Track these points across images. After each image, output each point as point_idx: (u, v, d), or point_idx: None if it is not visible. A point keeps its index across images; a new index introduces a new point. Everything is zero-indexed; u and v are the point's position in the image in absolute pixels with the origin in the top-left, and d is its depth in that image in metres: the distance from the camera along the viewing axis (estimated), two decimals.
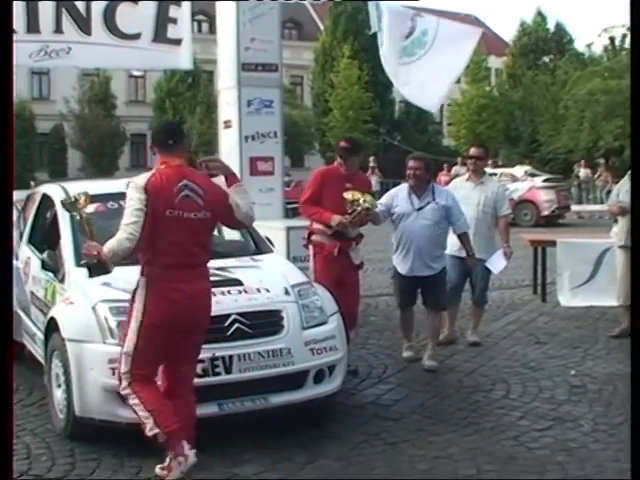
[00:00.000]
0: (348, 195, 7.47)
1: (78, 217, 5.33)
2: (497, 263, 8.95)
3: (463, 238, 8.34)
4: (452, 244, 8.62)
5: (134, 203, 5.08)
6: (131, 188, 5.16)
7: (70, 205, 5.43)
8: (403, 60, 10.83)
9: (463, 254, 8.52)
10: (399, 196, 8.22)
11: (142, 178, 5.18)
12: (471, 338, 9.16)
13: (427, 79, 10.71)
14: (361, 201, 7.45)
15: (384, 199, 8.36)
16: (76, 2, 9.71)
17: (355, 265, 7.95)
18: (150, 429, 5.13)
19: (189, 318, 5.23)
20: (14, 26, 9.42)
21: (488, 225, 8.96)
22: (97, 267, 5.17)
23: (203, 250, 5.36)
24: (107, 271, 5.21)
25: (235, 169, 10.09)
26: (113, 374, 5.62)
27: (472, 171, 9.23)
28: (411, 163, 8.20)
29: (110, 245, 5.07)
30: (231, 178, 5.65)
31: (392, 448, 5.98)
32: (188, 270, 5.21)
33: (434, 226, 8.06)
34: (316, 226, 7.91)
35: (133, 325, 5.21)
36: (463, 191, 8.95)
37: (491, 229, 9.03)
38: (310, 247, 8.01)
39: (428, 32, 10.73)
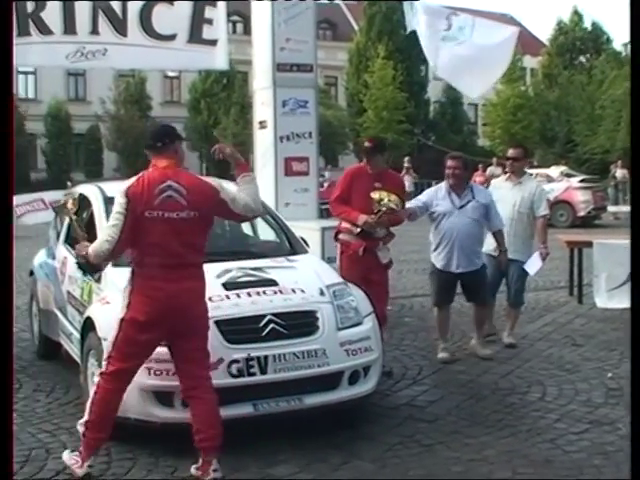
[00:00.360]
0: (375, 195, 7.54)
1: (69, 219, 5.54)
2: (533, 264, 8.92)
3: (498, 235, 8.50)
4: (488, 243, 8.71)
5: (116, 207, 5.30)
6: (117, 192, 5.37)
7: (59, 208, 5.62)
8: (445, 45, 10.78)
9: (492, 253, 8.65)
10: (438, 195, 8.34)
11: (127, 182, 5.37)
12: (507, 340, 9.10)
13: (467, 64, 10.66)
14: (386, 201, 7.50)
15: (423, 197, 8.48)
16: (112, 3, 9.76)
17: (383, 264, 7.95)
18: (81, 422, 5.43)
19: (172, 317, 5.30)
20: (51, 27, 9.52)
21: (524, 226, 8.91)
22: (89, 266, 5.56)
23: (191, 250, 5.38)
24: (99, 269, 5.60)
25: (270, 169, 10.29)
26: (149, 374, 5.67)
27: (511, 172, 9.24)
28: (450, 162, 8.29)
29: (93, 247, 5.35)
30: (241, 167, 5.71)
31: (427, 450, 5.95)
32: (172, 270, 5.28)
33: (475, 223, 8.26)
34: (344, 225, 7.98)
35: (118, 320, 5.38)
36: (501, 191, 9.00)
37: (527, 230, 8.98)
38: (338, 246, 8.08)
39: (465, 29, 10.70)
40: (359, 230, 7.75)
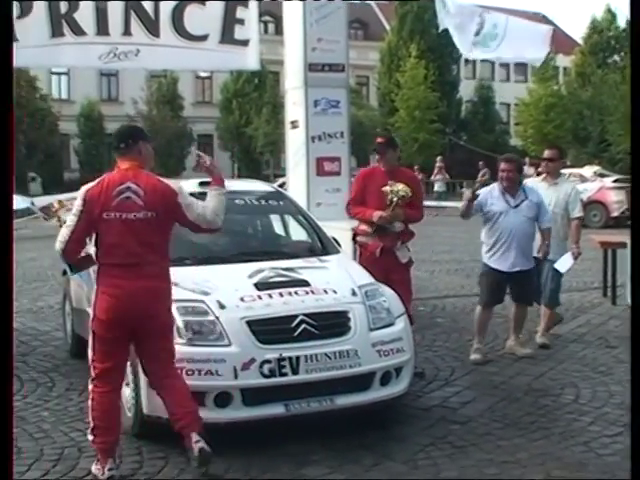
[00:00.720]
0: (386, 188, 7.63)
1: (56, 220, 5.71)
2: (564, 263, 8.91)
3: (546, 232, 8.55)
4: None
5: (73, 209, 5.50)
6: (78, 194, 5.55)
7: (45, 210, 5.76)
8: (477, 50, 10.75)
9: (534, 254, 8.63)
10: (493, 195, 8.42)
11: (88, 184, 5.50)
12: (540, 340, 9.05)
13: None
14: (396, 189, 7.59)
15: (479, 197, 8.46)
16: (144, 3, 9.80)
17: (402, 263, 7.97)
18: (89, 431, 5.55)
19: (131, 314, 5.38)
20: (84, 28, 9.58)
21: (558, 227, 8.87)
22: (73, 265, 5.83)
23: (150, 249, 5.44)
24: (82, 268, 5.80)
25: (302, 169, 10.28)
26: (181, 373, 5.67)
27: (546, 173, 9.26)
28: (503, 165, 8.46)
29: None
30: (214, 180, 5.79)
31: (459, 451, 5.91)
32: (130, 268, 5.36)
33: (530, 222, 8.39)
34: (361, 227, 8.03)
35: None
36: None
37: (561, 231, 8.94)
38: (357, 248, 8.18)
39: (498, 26, 10.66)
40: (375, 228, 7.81)
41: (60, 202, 5.23)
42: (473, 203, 8.31)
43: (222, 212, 5.70)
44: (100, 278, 5.50)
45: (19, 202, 26.76)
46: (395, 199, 7.60)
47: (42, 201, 20.32)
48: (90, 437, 5.55)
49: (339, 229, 8.72)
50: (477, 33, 10.75)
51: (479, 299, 8.77)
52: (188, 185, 7.53)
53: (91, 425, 5.51)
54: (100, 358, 5.49)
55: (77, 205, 5.43)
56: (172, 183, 5.63)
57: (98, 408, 5.50)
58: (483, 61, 57.96)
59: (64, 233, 5.41)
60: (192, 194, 6.75)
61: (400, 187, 7.65)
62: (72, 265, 5.82)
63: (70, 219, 5.44)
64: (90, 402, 5.56)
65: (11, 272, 4.66)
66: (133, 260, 5.38)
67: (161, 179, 5.61)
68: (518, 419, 6.58)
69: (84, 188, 5.48)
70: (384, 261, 7.70)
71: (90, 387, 5.59)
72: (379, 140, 8.28)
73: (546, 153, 9.36)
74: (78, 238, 5.44)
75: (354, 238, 8.08)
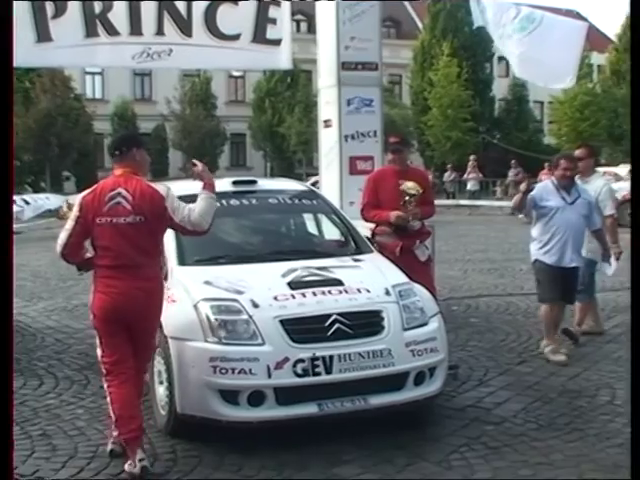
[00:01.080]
0: (402, 187, 7.81)
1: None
2: (609, 265, 8.90)
3: (599, 234, 8.70)
4: None
5: (71, 214, 5.88)
6: (75, 199, 6.09)
7: (56, 213, 6.00)
8: (513, 37, 10.66)
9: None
10: (547, 190, 8.46)
11: (85, 191, 5.91)
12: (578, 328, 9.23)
13: (543, 54, 10.51)
14: (407, 187, 7.80)
15: (533, 192, 8.51)
16: (177, 3, 9.83)
17: (422, 261, 8.02)
18: (114, 429, 5.78)
19: (124, 312, 5.66)
20: (118, 28, 9.63)
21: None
22: (78, 266, 6.07)
23: (140, 252, 5.72)
24: (88, 269, 5.99)
25: (335, 168, 10.27)
26: (214, 372, 5.70)
27: (578, 171, 9.16)
28: (563, 163, 8.48)
29: None
30: (205, 185, 5.98)
31: (493, 452, 5.87)
32: (122, 270, 5.66)
33: (584, 219, 8.44)
34: (379, 227, 8.11)
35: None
36: None
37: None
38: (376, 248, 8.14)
39: (534, 16, 10.57)
40: (394, 228, 7.94)
41: (69, 205, 5.27)
42: (527, 196, 8.33)
43: (209, 215, 5.87)
44: (96, 279, 5.81)
45: (53, 201, 27.09)
46: (407, 197, 7.79)
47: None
48: (115, 433, 5.75)
49: (370, 229, 8.70)
50: (512, 20, 10.65)
51: (541, 297, 8.68)
52: (221, 184, 7.60)
53: (114, 419, 5.70)
54: (107, 353, 5.77)
55: (75, 211, 5.79)
56: (161, 187, 5.81)
57: (117, 399, 5.69)
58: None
59: (62, 237, 5.76)
60: (225, 192, 6.92)
61: (410, 185, 7.85)
62: (78, 265, 6.08)
63: (68, 223, 5.78)
64: (108, 398, 5.78)
65: (11, 272, 4.67)
66: (125, 262, 5.67)
67: (150, 184, 5.80)
68: (552, 420, 6.53)
69: (81, 194, 5.87)
70: (404, 260, 7.64)
71: (105, 385, 5.83)
72: (393, 139, 8.45)
73: (576, 152, 9.38)
74: (76, 242, 5.78)
75: (372, 238, 8.05)
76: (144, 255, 5.73)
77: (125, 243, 5.66)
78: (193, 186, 6.19)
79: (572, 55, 11.03)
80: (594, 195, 8.91)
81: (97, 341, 5.88)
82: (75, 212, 5.76)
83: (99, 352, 5.88)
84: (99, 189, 5.76)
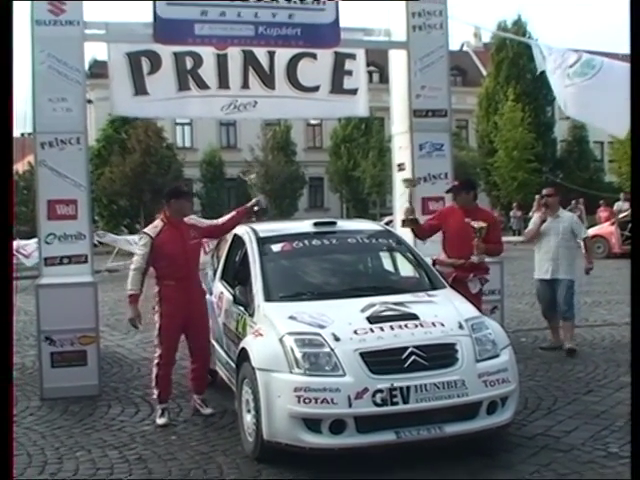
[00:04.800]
0: (473, 223, 8.19)
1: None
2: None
3: None
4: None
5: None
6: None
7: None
8: (573, 81, 10.48)
9: (548, 276, 10.06)
10: None
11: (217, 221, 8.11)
12: (568, 345, 9.90)
13: (602, 99, 10.30)
14: (477, 226, 8.12)
15: None
16: (260, 58, 9.95)
17: (472, 294, 8.02)
18: (158, 402, 7.57)
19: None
20: (207, 82, 9.80)
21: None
22: None
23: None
24: None
25: None
26: (298, 401, 5.68)
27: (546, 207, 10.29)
28: None
29: None
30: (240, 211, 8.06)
31: (563, 479, 5.73)
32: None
33: None
34: (441, 257, 8.54)
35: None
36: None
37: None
38: None
39: (594, 62, 10.38)
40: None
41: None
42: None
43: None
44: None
45: None
46: (476, 234, 8.07)
47: None
48: (154, 395, 7.58)
49: (432, 257, 8.62)
50: (573, 65, 10.50)
51: None
52: (303, 225, 7.62)
53: (156, 394, 7.51)
54: (165, 354, 7.54)
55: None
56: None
57: (164, 380, 7.52)
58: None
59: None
60: (307, 233, 7.01)
61: (478, 225, 8.10)
62: None
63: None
64: (155, 380, 7.53)
65: (11, 274, 4.65)
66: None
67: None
68: (620, 448, 6.32)
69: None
70: (456, 289, 7.59)
71: (155, 370, 7.54)
72: (455, 183, 8.97)
73: (544, 191, 10.51)
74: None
75: (432, 265, 8.13)
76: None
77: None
78: (278, 227, 6.22)
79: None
80: (568, 226, 10.04)
81: (156, 341, 7.69)
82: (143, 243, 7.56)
83: (156, 349, 7.69)
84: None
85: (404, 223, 8.71)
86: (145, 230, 7.62)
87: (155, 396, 7.55)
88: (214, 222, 8.04)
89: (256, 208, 8.07)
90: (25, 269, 17.64)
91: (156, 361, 7.58)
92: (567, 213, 10.76)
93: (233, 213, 8.03)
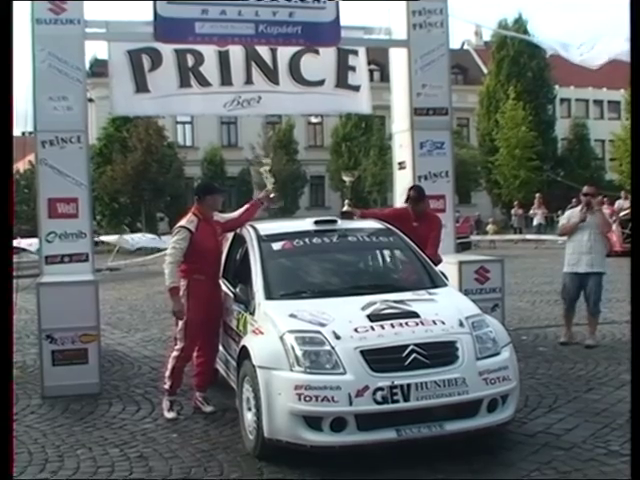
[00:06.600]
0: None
1: None
2: None
3: None
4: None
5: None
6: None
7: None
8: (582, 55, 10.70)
9: (582, 270, 10.20)
10: None
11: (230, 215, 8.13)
12: (588, 341, 10.15)
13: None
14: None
15: None
16: (263, 54, 9.97)
17: None
18: (165, 383, 7.70)
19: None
20: (209, 79, 9.81)
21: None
22: None
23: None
24: None
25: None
26: (299, 399, 5.68)
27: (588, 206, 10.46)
28: None
29: None
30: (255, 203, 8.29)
31: (564, 477, 5.73)
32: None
33: None
34: None
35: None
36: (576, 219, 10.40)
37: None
38: None
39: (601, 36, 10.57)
40: None
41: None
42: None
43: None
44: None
45: (149, 240, 27.58)
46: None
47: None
48: (166, 387, 7.64)
49: (445, 263, 8.63)
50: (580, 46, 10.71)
51: None
52: (304, 224, 7.62)
53: (168, 385, 7.60)
54: (190, 346, 7.57)
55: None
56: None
57: (178, 372, 7.61)
58: (577, 100, 57.22)
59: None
60: (308, 232, 7.02)
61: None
62: None
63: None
64: (171, 371, 7.58)
65: (11, 272, 4.65)
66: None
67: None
68: (621, 446, 6.32)
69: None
70: None
71: (172, 362, 7.58)
72: (412, 192, 8.94)
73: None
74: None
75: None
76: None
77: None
78: (279, 225, 6.22)
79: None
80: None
81: (181, 334, 7.58)
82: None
83: (179, 341, 7.61)
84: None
85: (343, 215, 8.44)
86: (183, 224, 7.54)
87: (167, 386, 7.61)
88: (232, 216, 8.12)
89: (272, 195, 8.39)
90: (26, 267, 17.67)
91: (176, 354, 7.60)
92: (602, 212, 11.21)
93: (247, 206, 8.16)
